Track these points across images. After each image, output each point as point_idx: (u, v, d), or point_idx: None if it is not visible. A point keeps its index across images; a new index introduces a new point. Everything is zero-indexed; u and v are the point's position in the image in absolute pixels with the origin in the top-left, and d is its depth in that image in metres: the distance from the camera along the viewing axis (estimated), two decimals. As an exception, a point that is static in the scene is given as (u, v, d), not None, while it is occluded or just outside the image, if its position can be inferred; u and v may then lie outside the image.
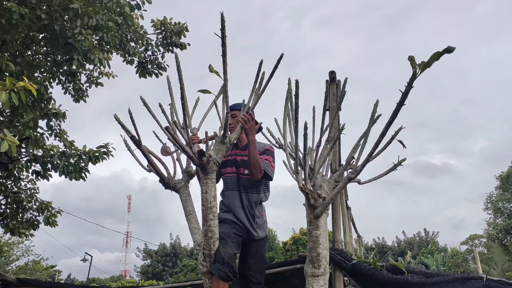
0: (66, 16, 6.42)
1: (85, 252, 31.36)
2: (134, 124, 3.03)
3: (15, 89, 3.05)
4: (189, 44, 8.48)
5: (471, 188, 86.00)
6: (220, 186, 3.85)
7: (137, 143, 3.13)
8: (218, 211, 3.35)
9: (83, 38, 6.39)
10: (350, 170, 3.03)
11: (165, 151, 3.75)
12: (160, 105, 3.52)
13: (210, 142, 3.12)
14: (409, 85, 2.29)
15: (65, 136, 7.63)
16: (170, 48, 8.42)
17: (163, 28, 8.29)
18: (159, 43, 8.43)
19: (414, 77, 2.25)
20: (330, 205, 3.42)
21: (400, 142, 2.81)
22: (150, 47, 8.39)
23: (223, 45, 2.71)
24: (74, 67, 7.06)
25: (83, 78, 8.44)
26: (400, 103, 2.37)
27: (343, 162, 3.45)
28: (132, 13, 7.36)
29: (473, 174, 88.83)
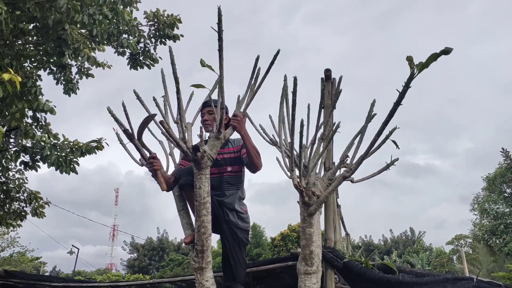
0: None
1: (72, 245, 31.25)
2: (127, 117, 2.97)
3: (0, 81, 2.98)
4: (182, 36, 8.42)
5: (453, 189, 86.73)
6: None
7: (131, 136, 3.07)
8: None
9: (68, 33, 6.34)
10: (344, 168, 3.02)
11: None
12: (154, 99, 3.48)
13: (205, 137, 3.08)
14: (407, 85, 2.29)
15: (49, 128, 7.60)
16: (163, 40, 8.36)
17: (155, 20, 8.22)
18: (151, 35, 8.37)
19: (411, 77, 2.24)
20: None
21: (394, 142, 2.81)
22: (142, 39, 8.33)
23: (220, 39, 2.65)
24: (64, 60, 7.00)
25: (74, 70, 8.37)
26: (397, 103, 2.36)
27: (335, 160, 3.45)
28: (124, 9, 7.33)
29: (456, 175, 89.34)
